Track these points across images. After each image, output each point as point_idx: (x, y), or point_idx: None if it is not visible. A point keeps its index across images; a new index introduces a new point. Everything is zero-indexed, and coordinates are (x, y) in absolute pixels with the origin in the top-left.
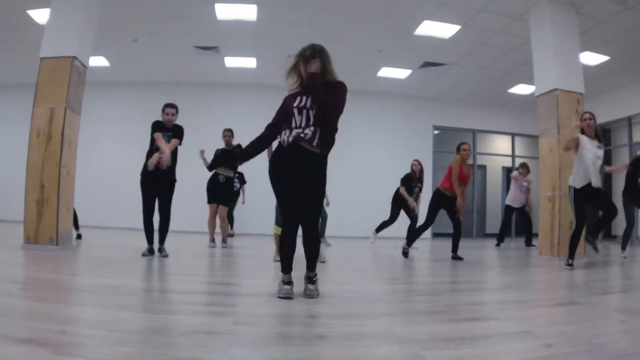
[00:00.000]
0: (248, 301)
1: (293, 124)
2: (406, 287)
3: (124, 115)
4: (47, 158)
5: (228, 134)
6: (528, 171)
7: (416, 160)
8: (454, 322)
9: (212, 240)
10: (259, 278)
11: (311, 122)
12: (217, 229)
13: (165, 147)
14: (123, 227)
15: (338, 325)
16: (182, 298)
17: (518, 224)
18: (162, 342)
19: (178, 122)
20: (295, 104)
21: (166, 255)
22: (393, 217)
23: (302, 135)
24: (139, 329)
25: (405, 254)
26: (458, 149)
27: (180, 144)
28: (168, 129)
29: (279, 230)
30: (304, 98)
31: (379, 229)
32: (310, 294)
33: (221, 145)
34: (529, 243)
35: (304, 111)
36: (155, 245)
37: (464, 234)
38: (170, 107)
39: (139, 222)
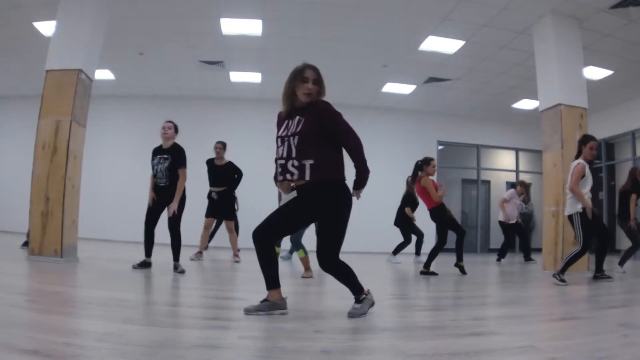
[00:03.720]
0: (253, 315)
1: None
2: (410, 302)
3: (129, 129)
4: (52, 171)
5: (219, 146)
6: (525, 191)
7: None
8: (458, 337)
9: (200, 253)
10: (263, 292)
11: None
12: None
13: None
14: (127, 241)
15: (342, 339)
16: (187, 312)
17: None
18: (167, 355)
19: (180, 136)
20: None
21: (182, 272)
22: (407, 238)
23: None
24: (144, 342)
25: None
26: (427, 164)
27: (185, 166)
28: (165, 150)
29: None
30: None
31: (396, 251)
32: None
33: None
34: (528, 258)
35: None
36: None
37: (467, 249)
38: (167, 122)
39: (142, 236)
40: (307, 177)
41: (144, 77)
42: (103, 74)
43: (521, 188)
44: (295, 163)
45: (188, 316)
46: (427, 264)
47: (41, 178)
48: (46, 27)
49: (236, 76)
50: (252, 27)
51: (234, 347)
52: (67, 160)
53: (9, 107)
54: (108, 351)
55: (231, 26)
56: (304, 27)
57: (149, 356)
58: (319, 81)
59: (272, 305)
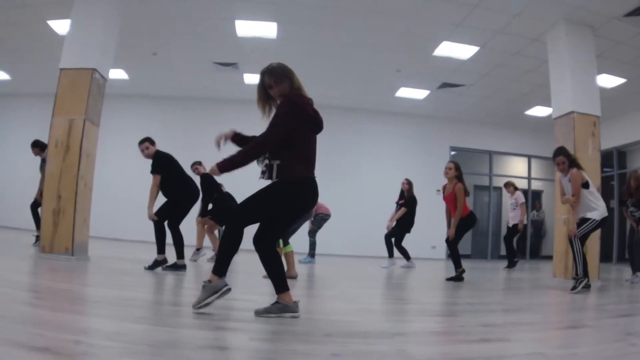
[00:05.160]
0: (263, 317)
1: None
2: (419, 307)
3: (142, 129)
4: (65, 169)
5: (195, 166)
6: (515, 189)
7: (405, 179)
8: (467, 343)
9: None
10: (274, 295)
11: None
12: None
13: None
14: (138, 240)
15: (352, 343)
16: (197, 313)
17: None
18: (176, 356)
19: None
20: None
21: (176, 268)
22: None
23: None
24: (153, 342)
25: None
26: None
27: (158, 172)
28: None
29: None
30: None
31: (405, 254)
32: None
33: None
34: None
35: None
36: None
37: (478, 255)
38: (139, 144)
39: (153, 235)
40: (274, 177)
41: (158, 78)
42: (117, 74)
43: (509, 188)
44: (266, 162)
45: (198, 317)
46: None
47: (54, 176)
48: (60, 26)
49: (250, 78)
50: (267, 29)
51: (244, 348)
52: (80, 159)
53: (23, 104)
54: (117, 350)
55: (246, 28)
56: (319, 30)
57: (158, 356)
58: (280, 79)
59: (283, 307)
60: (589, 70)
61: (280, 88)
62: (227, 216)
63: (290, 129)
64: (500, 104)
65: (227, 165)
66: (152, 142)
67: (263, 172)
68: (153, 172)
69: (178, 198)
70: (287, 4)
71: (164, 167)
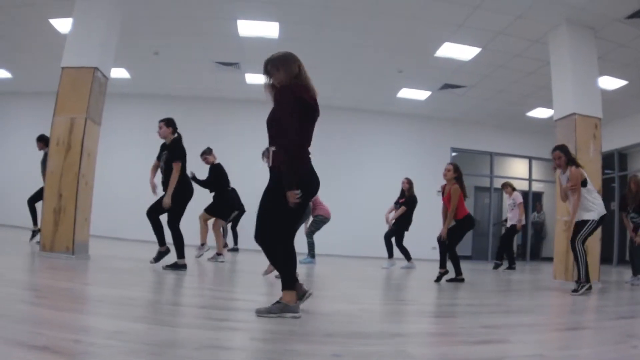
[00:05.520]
0: (263, 317)
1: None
2: (420, 308)
3: (143, 128)
4: (66, 168)
5: (205, 157)
6: (513, 189)
7: (405, 178)
8: (467, 344)
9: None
10: (275, 295)
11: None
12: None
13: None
14: (139, 239)
15: (353, 344)
16: (197, 312)
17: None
18: (177, 355)
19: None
20: None
21: (179, 267)
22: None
23: None
24: (154, 341)
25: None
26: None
27: (179, 160)
28: (166, 146)
29: None
30: None
31: (406, 254)
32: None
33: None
34: (497, 263)
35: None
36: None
37: (478, 257)
38: (159, 121)
39: (154, 235)
40: (270, 163)
41: (159, 77)
42: (118, 73)
43: (508, 189)
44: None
45: (198, 316)
46: (457, 271)
47: (55, 174)
48: (62, 24)
49: (252, 78)
50: (268, 29)
51: (245, 348)
52: (81, 158)
53: (24, 103)
54: (117, 349)
55: (248, 28)
56: (321, 30)
57: (159, 355)
58: (276, 68)
59: (284, 307)
60: (590, 72)
61: (277, 76)
62: (274, 241)
63: (299, 113)
64: (502, 105)
65: (290, 183)
66: (168, 124)
67: (263, 154)
68: (174, 159)
69: (175, 196)
70: (289, 4)
71: (183, 156)
